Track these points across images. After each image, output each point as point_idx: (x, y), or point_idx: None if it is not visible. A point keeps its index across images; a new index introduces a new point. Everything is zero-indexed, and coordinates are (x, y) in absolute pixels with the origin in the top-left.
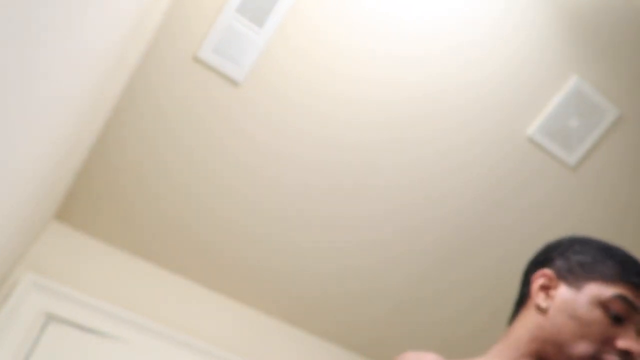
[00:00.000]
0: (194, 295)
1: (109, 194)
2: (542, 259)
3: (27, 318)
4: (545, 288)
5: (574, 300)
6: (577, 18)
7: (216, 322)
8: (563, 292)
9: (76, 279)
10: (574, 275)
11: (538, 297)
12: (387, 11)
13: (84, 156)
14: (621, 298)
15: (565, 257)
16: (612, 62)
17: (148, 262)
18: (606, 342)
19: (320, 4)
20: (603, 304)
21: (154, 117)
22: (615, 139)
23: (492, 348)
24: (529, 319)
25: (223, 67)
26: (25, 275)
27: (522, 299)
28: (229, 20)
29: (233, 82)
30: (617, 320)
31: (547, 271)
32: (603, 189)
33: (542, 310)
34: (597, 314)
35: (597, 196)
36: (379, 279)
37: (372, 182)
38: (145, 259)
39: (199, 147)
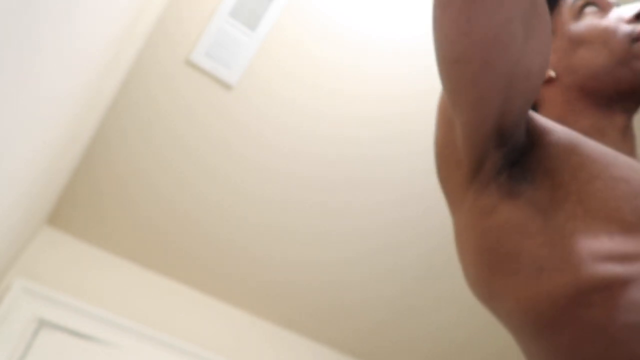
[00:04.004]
0: (186, 299)
1: (101, 199)
2: None
3: (19, 324)
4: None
5: (565, 40)
6: None
7: (209, 326)
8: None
9: (68, 285)
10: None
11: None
12: (376, 27)
13: (76, 161)
14: None
15: None
16: None
17: (141, 267)
18: (620, 24)
19: (314, 5)
20: (580, 11)
21: (147, 120)
22: None
23: None
24: (552, 99)
25: (216, 71)
26: (17, 280)
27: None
28: (221, 24)
29: (226, 86)
30: (598, 7)
31: None
32: None
33: (552, 79)
34: (588, 20)
35: None
36: (374, 288)
37: (366, 196)
38: (137, 263)
39: (192, 151)
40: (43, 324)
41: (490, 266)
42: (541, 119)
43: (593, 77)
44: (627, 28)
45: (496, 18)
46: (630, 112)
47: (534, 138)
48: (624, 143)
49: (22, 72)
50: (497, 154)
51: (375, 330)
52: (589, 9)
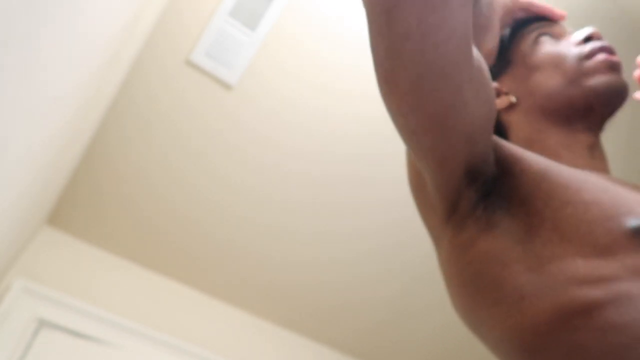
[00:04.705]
0: (186, 299)
1: (101, 199)
2: None
3: (19, 324)
4: (498, 94)
5: (523, 67)
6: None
7: (209, 326)
8: (510, 77)
9: (68, 285)
10: (502, 63)
11: (501, 102)
12: None
13: (76, 161)
14: (534, 28)
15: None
16: None
17: (141, 267)
18: (570, 48)
19: (314, 5)
20: (535, 41)
21: (147, 120)
22: None
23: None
24: (517, 122)
25: (216, 71)
26: (17, 280)
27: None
28: (221, 24)
29: (226, 85)
30: (552, 37)
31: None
32: None
33: (514, 104)
34: (542, 48)
35: None
36: (374, 287)
37: (366, 196)
38: (137, 263)
39: (192, 151)
40: (43, 324)
41: (474, 298)
42: (510, 147)
43: (548, 97)
44: (576, 50)
45: (446, 90)
46: (593, 131)
47: (505, 167)
48: (593, 160)
49: (22, 72)
50: (470, 191)
51: (375, 330)
52: (544, 38)
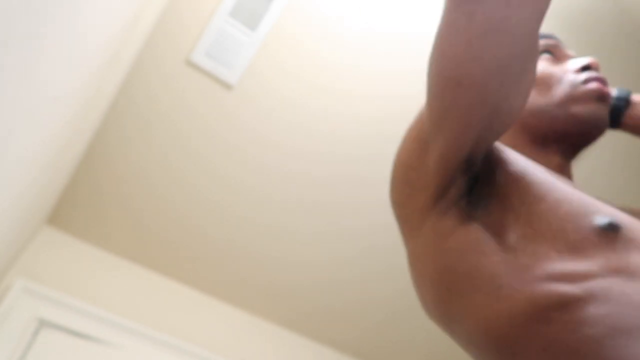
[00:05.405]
0: (186, 299)
1: (101, 199)
2: None
3: (19, 324)
4: None
5: None
6: (566, 20)
7: (209, 326)
8: None
9: (69, 284)
10: None
11: None
12: (375, 28)
13: (76, 161)
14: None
15: None
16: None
17: (141, 267)
18: (566, 72)
19: (314, 5)
20: None
21: (147, 120)
22: None
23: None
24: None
25: (216, 71)
26: (17, 280)
27: None
28: (221, 24)
29: (226, 85)
30: (553, 56)
31: None
32: None
33: None
34: (539, 65)
35: None
36: (374, 287)
37: (366, 196)
38: (137, 263)
39: (192, 151)
40: (43, 324)
41: (449, 287)
42: (494, 147)
43: (532, 114)
44: (571, 77)
45: (505, 51)
46: (566, 155)
47: (488, 164)
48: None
49: (22, 72)
50: (461, 181)
51: (375, 330)
52: (545, 56)
